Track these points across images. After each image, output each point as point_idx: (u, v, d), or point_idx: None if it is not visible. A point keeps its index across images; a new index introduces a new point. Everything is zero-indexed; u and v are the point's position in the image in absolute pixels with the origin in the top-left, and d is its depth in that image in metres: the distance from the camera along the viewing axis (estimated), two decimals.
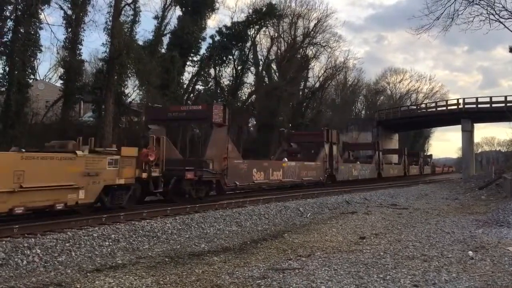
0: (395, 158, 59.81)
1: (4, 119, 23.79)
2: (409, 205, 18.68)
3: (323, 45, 45.83)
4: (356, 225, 12.71)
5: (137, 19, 29.32)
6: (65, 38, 27.85)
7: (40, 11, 25.11)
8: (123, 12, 28.17)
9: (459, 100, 47.66)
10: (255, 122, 44.31)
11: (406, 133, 68.59)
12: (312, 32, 44.94)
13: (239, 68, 39.99)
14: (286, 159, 21.88)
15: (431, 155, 71.41)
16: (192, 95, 37.05)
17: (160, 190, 13.22)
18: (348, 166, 29.88)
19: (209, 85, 39.75)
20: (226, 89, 40.25)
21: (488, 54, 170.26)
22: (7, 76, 24.26)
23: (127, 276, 6.83)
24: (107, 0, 28.13)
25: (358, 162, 33.50)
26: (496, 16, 27.83)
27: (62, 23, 27.67)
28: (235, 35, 38.07)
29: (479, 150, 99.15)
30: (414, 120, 52.95)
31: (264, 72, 44.18)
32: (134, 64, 27.96)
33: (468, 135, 45.59)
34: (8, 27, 24.39)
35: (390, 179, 38.21)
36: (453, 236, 10.39)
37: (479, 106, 44.71)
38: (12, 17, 24.41)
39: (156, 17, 33.68)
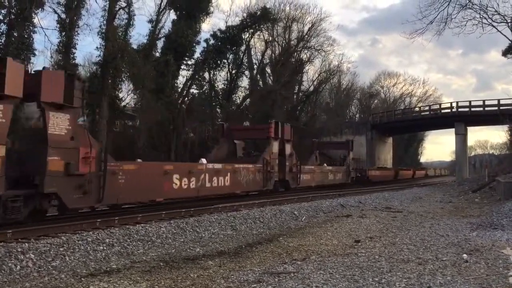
0: (389, 158, 59.70)
1: None
2: (403, 208, 18.72)
3: (317, 48, 46.17)
4: (351, 228, 12.72)
5: (131, 23, 29.39)
6: (59, 42, 27.79)
7: (34, 15, 25.04)
8: (117, 16, 28.21)
9: (453, 103, 48.01)
10: None
11: (400, 137, 68.93)
12: (306, 36, 45.24)
13: (233, 71, 40.10)
14: (204, 160, 16.66)
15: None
16: (186, 98, 37.07)
17: None
18: (310, 169, 25.19)
19: (204, 89, 39.87)
20: (220, 93, 40.33)
21: (482, 57, 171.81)
22: None
23: (121, 281, 6.80)
24: (101, 4, 28.27)
25: (325, 165, 28.83)
26: (489, 20, 28.16)
27: (56, 26, 27.61)
28: (229, 39, 38.18)
29: (473, 153, 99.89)
30: (408, 123, 53.24)
31: (258, 75, 44.36)
32: (129, 68, 27.98)
33: (461, 138, 45.85)
34: (1, 30, 24.31)
35: (376, 184, 34.01)
36: (448, 239, 10.42)
37: (473, 109, 45.00)
38: (5, 21, 24.33)
39: (150, 21, 33.75)
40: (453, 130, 46.08)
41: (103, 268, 7.72)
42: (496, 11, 28.47)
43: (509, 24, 28.95)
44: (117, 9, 27.86)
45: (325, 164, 28.83)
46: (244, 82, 43.18)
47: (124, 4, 28.39)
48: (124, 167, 11.83)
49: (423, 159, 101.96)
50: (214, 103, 40.62)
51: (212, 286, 6.56)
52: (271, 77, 45.20)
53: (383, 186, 33.38)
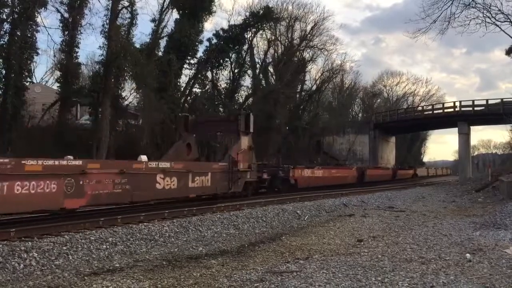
0: (391, 157, 59.29)
1: (1, 122, 23.75)
2: (406, 207, 18.70)
3: (320, 48, 46.06)
4: (353, 227, 12.71)
5: (134, 22, 29.41)
6: (62, 41, 27.92)
7: (37, 14, 25.13)
8: (120, 15, 28.20)
9: (456, 103, 47.86)
10: None
11: (403, 136, 68.79)
12: (309, 35, 45.12)
13: (236, 71, 40.11)
14: None
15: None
16: (189, 98, 37.07)
17: None
18: (52, 166, 9.57)
19: (206, 88, 39.86)
20: (223, 92, 40.34)
21: (485, 56, 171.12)
22: (3, 79, 24.24)
23: (124, 280, 6.80)
24: (104, 3, 28.29)
25: (142, 157, 14.01)
26: (492, 19, 28.06)
27: (59, 26, 27.78)
28: (232, 38, 38.18)
29: (476, 153, 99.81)
30: (411, 123, 53.12)
31: (261, 75, 44.29)
32: (131, 67, 27.98)
33: (464, 137, 45.72)
34: (4, 30, 24.40)
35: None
36: (451, 239, 10.40)
37: (476, 109, 44.84)
38: (9, 20, 24.40)
39: (153, 20, 33.71)
40: (456, 129, 45.95)
41: (106, 267, 7.74)
42: (499, 10, 28.35)
43: None
44: (120, 8, 27.87)
45: (141, 157, 13.57)
46: (247, 81, 43.25)
47: (127, 3, 28.40)
48: None
49: (426, 158, 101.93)
50: (216, 102, 40.64)
51: (215, 285, 6.57)
52: (274, 76, 45.13)
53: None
